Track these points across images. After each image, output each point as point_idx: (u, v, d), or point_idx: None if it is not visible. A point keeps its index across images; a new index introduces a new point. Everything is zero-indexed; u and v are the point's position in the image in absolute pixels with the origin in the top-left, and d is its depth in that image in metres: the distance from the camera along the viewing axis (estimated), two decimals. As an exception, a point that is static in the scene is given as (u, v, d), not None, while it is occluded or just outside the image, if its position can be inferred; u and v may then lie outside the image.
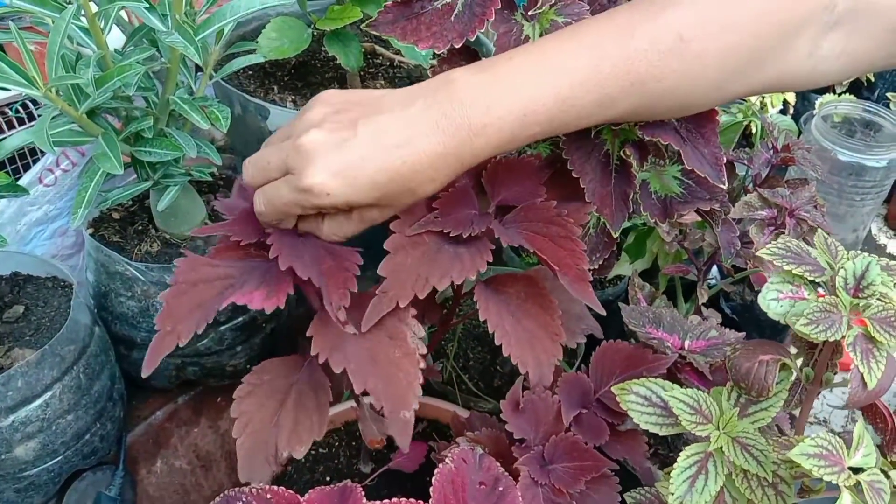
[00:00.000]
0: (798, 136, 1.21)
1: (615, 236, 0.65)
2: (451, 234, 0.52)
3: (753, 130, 1.20)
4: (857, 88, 1.50)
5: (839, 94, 1.38)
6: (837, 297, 0.50)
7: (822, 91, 1.49)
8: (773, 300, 0.51)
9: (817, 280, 0.50)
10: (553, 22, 0.60)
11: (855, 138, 1.33)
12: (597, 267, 0.71)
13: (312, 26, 0.84)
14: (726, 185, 0.59)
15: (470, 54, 0.64)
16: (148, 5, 0.59)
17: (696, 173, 0.60)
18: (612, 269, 0.81)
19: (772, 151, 0.85)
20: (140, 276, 0.72)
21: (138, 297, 0.73)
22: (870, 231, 1.39)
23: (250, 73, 0.90)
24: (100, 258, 0.74)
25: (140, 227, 0.77)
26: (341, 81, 0.92)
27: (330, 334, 0.48)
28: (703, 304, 0.84)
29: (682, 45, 0.47)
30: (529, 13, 0.59)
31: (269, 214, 0.48)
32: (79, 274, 0.86)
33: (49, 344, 0.65)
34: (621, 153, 0.61)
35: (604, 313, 0.57)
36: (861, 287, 0.50)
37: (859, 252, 0.54)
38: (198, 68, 0.73)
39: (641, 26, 0.47)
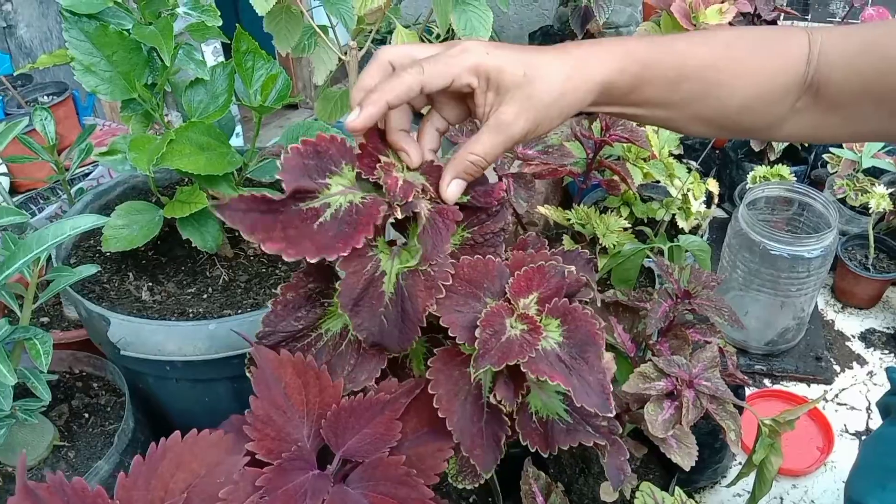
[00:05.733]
0: (715, 241, 1.14)
1: (486, 478, 0.58)
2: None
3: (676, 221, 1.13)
4: (794, 150, 1.44)
5: (771, 165, 1.32)
6: None
7: (759, 159, 1.43)
8: None
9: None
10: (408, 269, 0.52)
11: (791, 212, 1.26)
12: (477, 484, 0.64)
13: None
14: (614, 412, 0.52)
15: (323, 272, 0.57)
16: None
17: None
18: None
19: (671, 300, 0.78)
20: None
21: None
22: (816, 306, 1.32)
23: (108, 253, 0.84)
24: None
25: (-21, 462, 0.70)
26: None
27: None
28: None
29: None
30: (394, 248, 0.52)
31: (389, 91, 0.48)
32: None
33: None
34: (494, 392, 0.54)
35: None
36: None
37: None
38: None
39: None
